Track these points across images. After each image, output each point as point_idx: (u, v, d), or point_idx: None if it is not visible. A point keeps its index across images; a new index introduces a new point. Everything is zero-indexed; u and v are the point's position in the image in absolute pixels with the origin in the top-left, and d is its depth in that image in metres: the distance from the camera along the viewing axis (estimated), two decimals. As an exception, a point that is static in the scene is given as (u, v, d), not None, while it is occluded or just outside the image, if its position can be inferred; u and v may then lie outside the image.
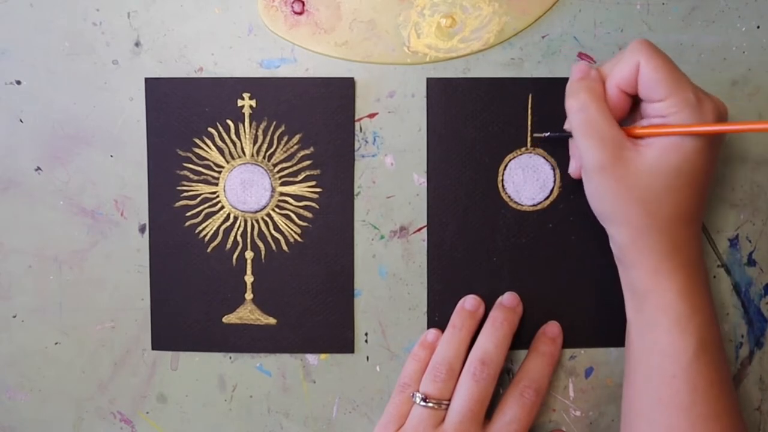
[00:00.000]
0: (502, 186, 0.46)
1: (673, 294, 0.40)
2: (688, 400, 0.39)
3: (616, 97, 0.41)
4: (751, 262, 0.47)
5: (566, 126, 0.43)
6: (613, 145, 0.39)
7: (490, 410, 0.44)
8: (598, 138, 0.40)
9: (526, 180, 0.46)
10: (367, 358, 0.47)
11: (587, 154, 0.40)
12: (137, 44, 0.46)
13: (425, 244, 0.47)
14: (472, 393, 0.42)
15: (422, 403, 0.43)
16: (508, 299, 0.46)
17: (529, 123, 0.46)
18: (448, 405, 0.43)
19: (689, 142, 0.39)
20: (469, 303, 0.46)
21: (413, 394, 0.43)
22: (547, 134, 0.45)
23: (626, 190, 0.39)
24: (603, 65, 0.42)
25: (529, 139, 0.46)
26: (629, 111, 0.42)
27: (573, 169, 0.45)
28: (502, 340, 0.44)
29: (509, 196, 0.46)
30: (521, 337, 0.46)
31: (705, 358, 0.40)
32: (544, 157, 0.46)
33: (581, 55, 0.46)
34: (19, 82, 0.46)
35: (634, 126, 0.40)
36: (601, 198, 0.41)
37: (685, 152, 0.39)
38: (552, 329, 0.46)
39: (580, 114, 0.40)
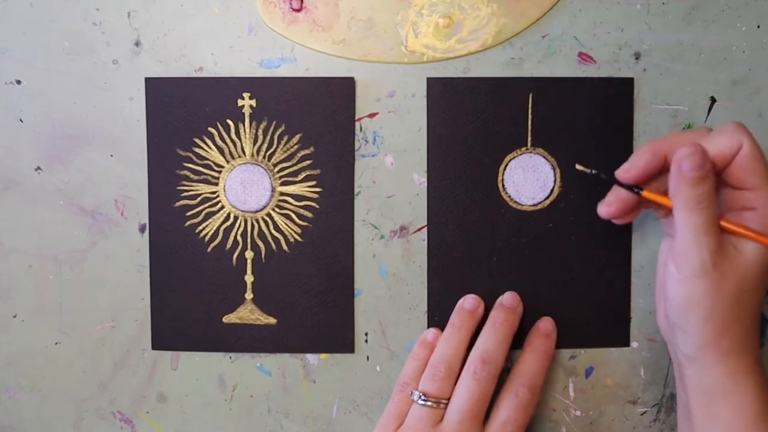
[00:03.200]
0: (502, 186, 0.46)
1: (751, 395, 0.39)
2: None
3: None
4: (751, 262, 0.47)
5: (621, 175, 0.41)
6: (718, 244, 0.38)
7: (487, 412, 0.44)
8: (706, 241, 0.38)
9: (526, 180, 0.46)
10: (367, 358, 0.47)
11: (694, 256, 0.38)
12: (137, 44, 0.46)
13: (425, 244, 0.47)
14: (473, 392, 0.42)
15: (421, 402, 0.43)
16: (509, 299, 0.46)
17: (529, 123, 0.46)
18: (446, 404, 0.43)
19: None
20: (469, 302, 0.46)
21: (412, 392, 0.43)
22: (594, 172, 0.43)
23: (726, 290, 0.38)
24: (695, 134, 0.40)
25: (529, 139, 0.46)
26: None
27: (610, 208, 0.42)
28: (503, 339, 0.44)
29: (509, 196, 0.46)
30: (521, 337, 0.46)
31: None
32: (545, 157, 0.46)
33: (581, 55, 0.46)
34: (19, 82, 0.46)
35: (730, 220, 0.39)
36: (698, 302, 0.38)
37: None
38: (546, 325, 0.46)
39: (700, 214, 0.38)
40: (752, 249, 0.38)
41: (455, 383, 0.43)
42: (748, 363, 0.39)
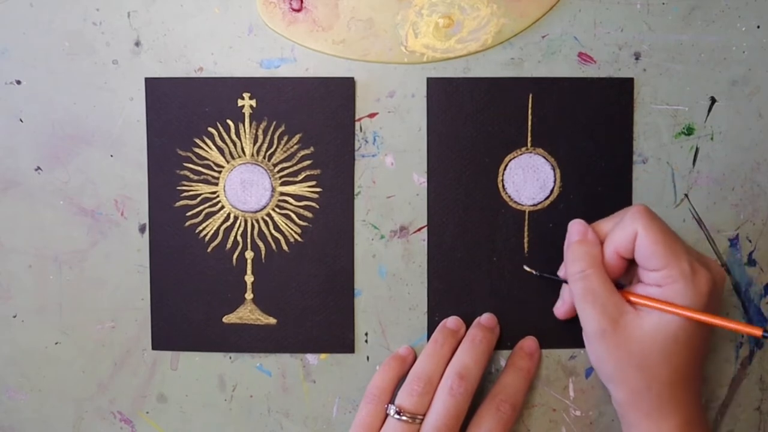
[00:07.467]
0: (502, 186, 0.46)
1: None
2: None
3: (614, 261, 0.42)
4: (751, 262, 0.47)
5: (561, 273, 0.44)
6: (614, 312, 0.41)
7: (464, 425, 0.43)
8: (599, 305, 0.41)
9: (526, 180, 0.46)
10: (367, 358, 0.47)
11: (588, 320, 0.41)
12: (137, 44, 0.46)
13: (425, 244, 0.47)
14: (448, 408, 0.42)
15: (396, 416, 0.42)
16: (486, 319, 0.46)
17: (529, 123, 0.46)
18: (422, 420, 0.42)
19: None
20: (451, 322, 0.46)
21: (387, 407, 0.43)
22: (539, 274, 0.45)
23: (625, 355, 0.40)
24: (600, 223, 0.43)
25: (529, 139, 0.46)
26: (626, 269, 0.43)
27: (559, 311, 0.45)
28: (481, 356, 0.44)
29: (509, 196, 0.46)
30: (513, 339, 0.46)
31: None
32: (544, 157, 0.46)
33: (581, 55, 0.46)
34: (19, 82, 0.46)
35: (632, 291, 0.41)
36: (601, 360, 0.42)
37: (681, 322, 0.39)
38: (530, 344, 0.46)
39: (582, 282, 0.41)
40: (653, 319, 0.40)
41: (432, 399, 0.43)
42: (671, 426, 0.40)
